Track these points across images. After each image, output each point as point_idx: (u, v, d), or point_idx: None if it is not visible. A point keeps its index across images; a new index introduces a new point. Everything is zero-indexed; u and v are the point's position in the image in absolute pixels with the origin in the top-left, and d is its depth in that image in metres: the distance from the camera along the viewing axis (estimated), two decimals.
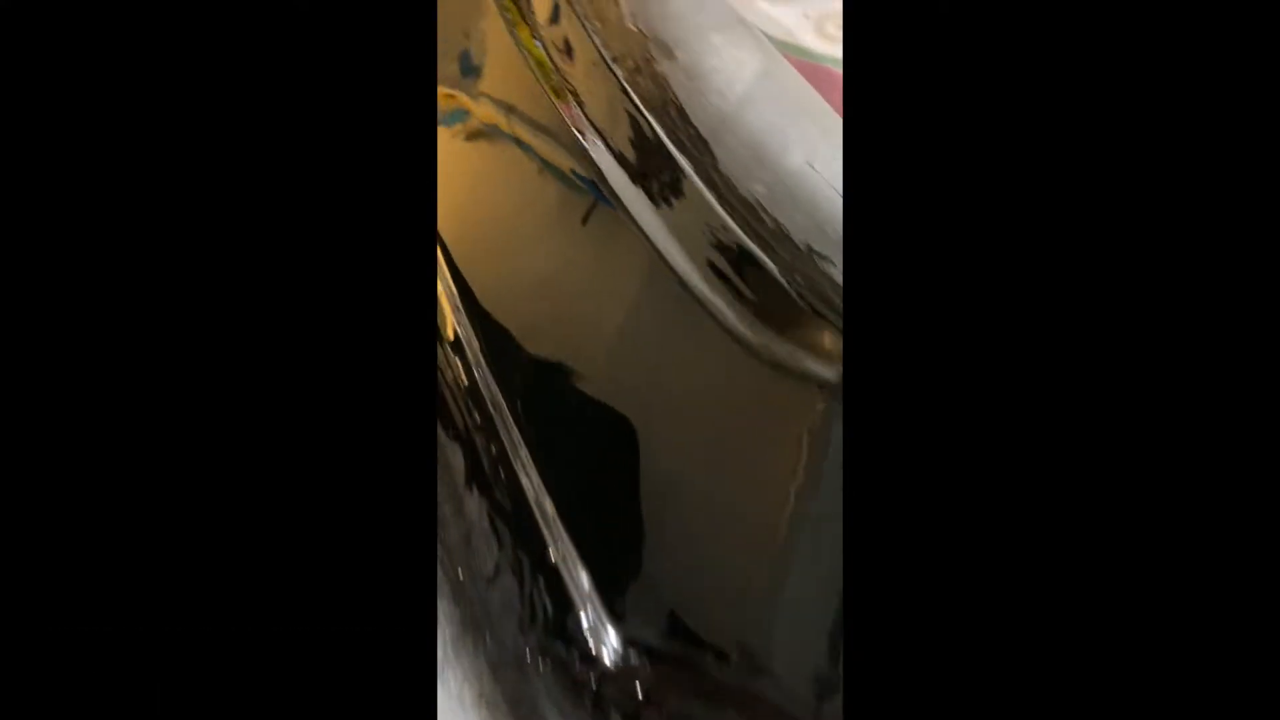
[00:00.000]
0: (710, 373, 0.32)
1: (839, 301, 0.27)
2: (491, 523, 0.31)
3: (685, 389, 0.32)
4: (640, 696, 0.27)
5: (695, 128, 0.36)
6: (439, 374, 0.35)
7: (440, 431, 0.33)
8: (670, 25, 0.41)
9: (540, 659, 0.28)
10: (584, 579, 0.29)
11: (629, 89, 0.36)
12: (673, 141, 0.32)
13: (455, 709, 0.27)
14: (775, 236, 0.29)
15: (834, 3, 0.54)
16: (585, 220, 0.36)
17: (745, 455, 0.30)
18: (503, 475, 0.32)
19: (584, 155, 0.33)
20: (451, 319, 0.38)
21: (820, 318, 0.27)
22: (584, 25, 0.39)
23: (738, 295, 0.29)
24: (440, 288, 0.38)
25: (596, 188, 0.33)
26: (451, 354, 0.36)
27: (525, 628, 0.29)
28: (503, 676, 0.28)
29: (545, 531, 0.30)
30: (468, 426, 0.33)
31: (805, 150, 0.33)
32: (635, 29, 0.41)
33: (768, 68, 0.39)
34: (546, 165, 0.38)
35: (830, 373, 0.28)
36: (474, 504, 0.32)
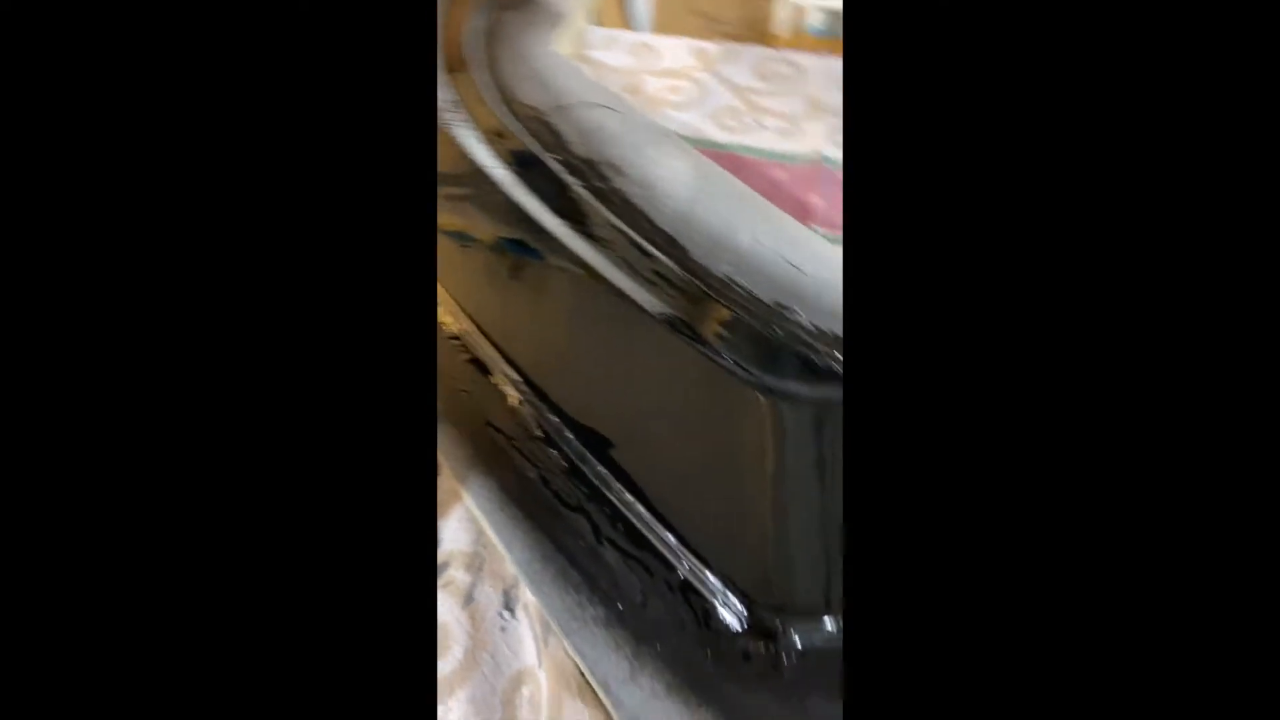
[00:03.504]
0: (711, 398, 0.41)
1: (809, 337, 0.38)
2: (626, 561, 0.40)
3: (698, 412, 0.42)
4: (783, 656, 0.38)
5: (663, 230, 0.46)
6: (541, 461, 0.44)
7: (561, 505, 0.42)
8: (610, 148, 0.51)
9: (705, 649, 0.38)
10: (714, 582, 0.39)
11: (604, 207, 0.46)
12: (652, 244, 0.42)
13: (646, 695, 0.36)
14: (750, 300, 0.40)
15: (728, 98, 0.67)
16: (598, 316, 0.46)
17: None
18: (623, 526, 0.42)
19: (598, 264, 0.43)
20: (532, 415, 0.47)
21: (798, 351, 0.38)
22: (549, 159, 0.48)
23: (737, 346, 0.39)
24: (514, 392, 0.47)
25: (610, 285, 0.43)
26: (546, 447, 0.45)
27: (685, 628, 0.38)
28: (679, 667, 0.37)
29: (669, 556, 0.40)
30: (583, 501, 0.42)
31: (749, 230, 0.44)
32: (585, 156, 0.51)
33: (697, 166, 0.50)
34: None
35: (809, 390, 0.39)
36: (610, 554, 0.41)
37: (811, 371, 0.37)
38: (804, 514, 0.39)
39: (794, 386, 0.37)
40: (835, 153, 0.63)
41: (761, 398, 0.38)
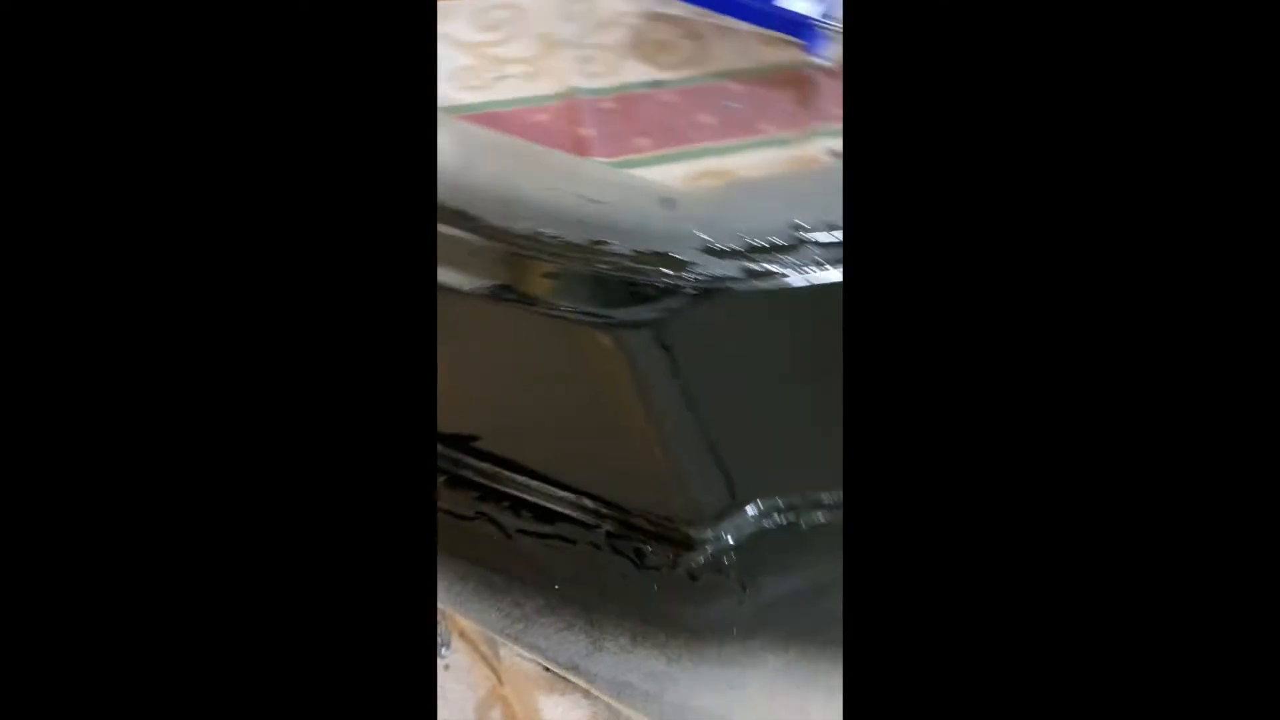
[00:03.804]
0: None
1: (631, 262, 0.38)
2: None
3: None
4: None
5: (449, 207, 0.43)
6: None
7: (456, 519, 0.40)
8: None
9: (652, 586, 0.38)
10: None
11: None
12: (450, 224, 0.40)
13: (615, 656, 0.36)
14: (564, 246, 0.39)
15: (461, 58, 0.63)
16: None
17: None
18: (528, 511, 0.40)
19: None
20: None
21: (616, 277, 0.38)
22: None
23: (567, 294, 0.38)
24: None
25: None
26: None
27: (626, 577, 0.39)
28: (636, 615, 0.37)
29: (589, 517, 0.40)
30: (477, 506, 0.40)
31: (535, 180, 0.42)
32: None
33: (457, 134, 0.47)
34: None
35: (646, 313, 0.39)
36: (525, 543, 0.39)
37: (642, 296, 0.38)
38: (682, 426, 0.40)
39: (631, 314, 0.38)
40: (586, 82, 0.62)
41: (605, 336, 0.38)
